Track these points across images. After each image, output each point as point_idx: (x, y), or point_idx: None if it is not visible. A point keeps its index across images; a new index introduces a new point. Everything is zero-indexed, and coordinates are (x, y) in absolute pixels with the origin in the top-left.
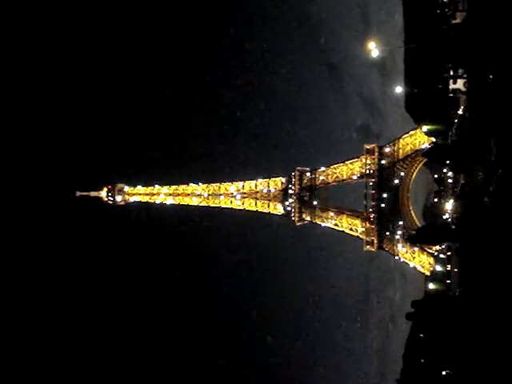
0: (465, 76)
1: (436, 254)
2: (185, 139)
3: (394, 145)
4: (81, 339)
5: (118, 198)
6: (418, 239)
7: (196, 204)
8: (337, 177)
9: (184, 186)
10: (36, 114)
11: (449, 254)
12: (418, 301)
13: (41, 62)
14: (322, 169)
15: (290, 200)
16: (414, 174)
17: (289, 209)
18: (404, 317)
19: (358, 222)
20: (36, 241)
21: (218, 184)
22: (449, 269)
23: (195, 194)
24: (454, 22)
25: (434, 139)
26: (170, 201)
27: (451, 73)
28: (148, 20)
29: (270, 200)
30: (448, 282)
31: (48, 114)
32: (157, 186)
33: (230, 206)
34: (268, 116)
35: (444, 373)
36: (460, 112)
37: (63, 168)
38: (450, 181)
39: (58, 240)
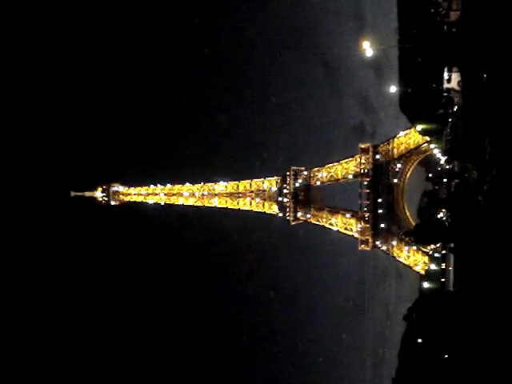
0: (459, 75)
1: (431, 252)
2: (180, 139)
3: (388, 144)
4: (79, 339)
5: (113, 198)
6: (414, 236)
7: (191, 204)
8: (331, 176)
9: (179, 186)
10: (32, 114)
11: (444, 252)
12: (414, 304)
13: (40, 62)
14: (317, 168)
15: (285, 199)
16: (409, 173)
17: (283, 208)
18: (401, 317)
19: (352, 221)
20: (30, 241)
21: (213, 184)
22: (443, 267)
23: (190, 194)
24: (447, 20)
25: (428, 138)
26: (164, 201)
27: (445, 72)
28: (150, 21)
29: (264, 199)
30: (443, 280)
31: (44, 114)
32: (151, 185)
33: (224, 205)
34: (263, 115)
35: (439, 370)
36: (454, 111)
37: (58, 168)
38: (444, 180)
39: (52, 240)
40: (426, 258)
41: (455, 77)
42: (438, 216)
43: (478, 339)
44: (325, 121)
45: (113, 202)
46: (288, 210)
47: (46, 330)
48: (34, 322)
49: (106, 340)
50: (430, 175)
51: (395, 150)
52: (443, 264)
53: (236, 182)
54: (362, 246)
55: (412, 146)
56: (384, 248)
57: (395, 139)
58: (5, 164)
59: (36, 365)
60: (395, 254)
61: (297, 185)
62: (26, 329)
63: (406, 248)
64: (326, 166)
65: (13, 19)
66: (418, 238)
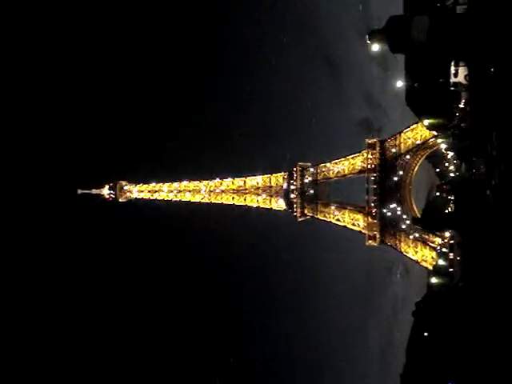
0: (466, 69)
1: (438, 248)
2: (186, 136)
3: (395, 139)
4: (81, 339)
5: (120, 195)
6: (421, 221)
7: (198, 201)
8: (338, 172)
9: (185, 183)
10: (37, 112)
11: (451, 245)
12: (422, 300)
13: (41, 61)
14: (324, 164)
15: (292, 195)
16: (416, 168)
17: (290, 204)
18: (408, 312)
19: (359, 216)
20: (37, 238)
21: (220, 180)
22: (451, 262)
23: (197, 191)
24: (454, 14)
25: (435, 133)
26: (171, 198)
27: (452, 66)
28: (151, 20)
29: (271, 196)
30: (450, 272)
31: (49, 112)
32: (158, 182)
33: (232, 202)
34: (268, 112)
35: (447, 366)
36: (461, 105)
37: (65, 165)
38: (451, 175)
39: (59, 238)
40: (433, 253)
41: (462, 71)
42: (446, 211)
43: (486, 333)
44: (331, 116)
45: (120, 199)
46: (295, 206)
47: (50, 326)
48: (40, 318)
49: (107, 339)
50: (438, 170)
51: (402, 145)
52: (451, 259)
53: (243, 179)
54: (370, 241)
55: (419, 141)
56: (391, 243)
57: (402, 134)
58: (12, 162)
59: (36, 363)
60: (403, 250)
61: (304, 181)
62: (29, 324)
63: (414, 243)
64: (333, 162)
65: (14, 19)
66: (425, 223)
